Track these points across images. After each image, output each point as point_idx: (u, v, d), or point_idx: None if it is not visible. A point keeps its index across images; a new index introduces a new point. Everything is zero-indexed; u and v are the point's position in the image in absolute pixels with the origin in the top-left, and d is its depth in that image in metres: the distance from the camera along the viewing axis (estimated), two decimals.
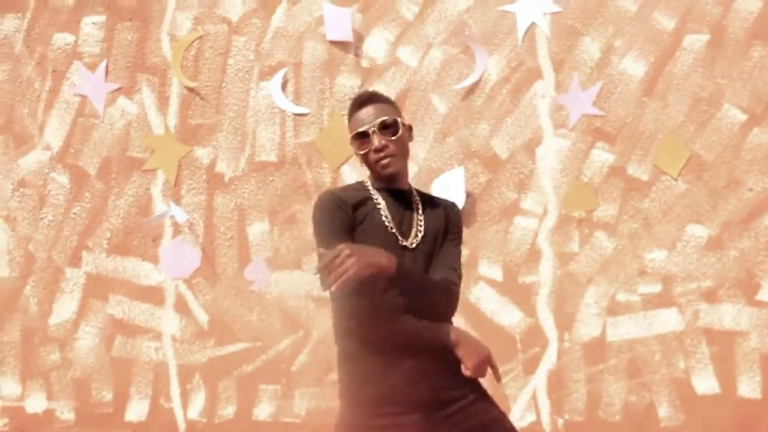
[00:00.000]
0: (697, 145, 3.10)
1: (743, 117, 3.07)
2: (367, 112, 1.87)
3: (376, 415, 1.86)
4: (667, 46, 3.08)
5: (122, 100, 3.27)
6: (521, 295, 3.18)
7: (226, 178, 3.26)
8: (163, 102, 3.25)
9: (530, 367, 3.19)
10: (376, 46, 3.17)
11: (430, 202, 2.00)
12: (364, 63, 3.17)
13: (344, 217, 1.85)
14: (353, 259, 1.61)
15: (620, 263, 3.15)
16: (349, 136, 1.90)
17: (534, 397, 3.20)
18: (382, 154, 1.85)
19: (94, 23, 3.24)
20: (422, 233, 1.90)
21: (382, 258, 1.72)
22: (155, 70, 3.25)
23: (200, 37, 3.20)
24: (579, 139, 3.14)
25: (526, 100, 3.14)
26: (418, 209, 1.94)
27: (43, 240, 3.35)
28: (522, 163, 3.16)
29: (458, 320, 3.17)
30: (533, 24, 3.11)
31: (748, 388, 3.11)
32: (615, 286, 3.16)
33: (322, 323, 3.21)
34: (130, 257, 3.31)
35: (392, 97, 3.15)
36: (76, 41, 3.26)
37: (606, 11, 3.09)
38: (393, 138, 1.86)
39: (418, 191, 2.01)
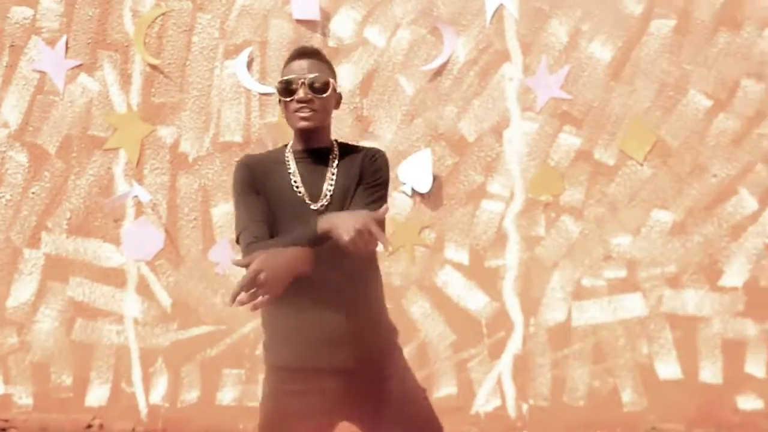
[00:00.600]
0: (663, 130, 3.10)
1: (708, 103, 3.08)
2: (301, 65, 1.86)
3: (294, 379, 1.85)
4: (635, 31, 3.08)
5: (83, 77, 3.19)
6: (487, 279, 3.17)
7: (190, 158, 3.20)
8: (125, 79, 3.18)
9: (496, 352, 3.19)
10: (343, 26, 3.13)
11: (349, 155, 1.93)
12: (331, 42, 3.13)
13: (254, 194, 1.83)
14: (266, 287, 1.60)
15: (586, 248, 3.15)
16: (277, 83, 1.89)
17: (499, 382, 3.19)
18: (303, 105, 1.83)
19: None
20: (331, 192, 1.86)
21: (296, 265, 1.68)
22: (117, 46, 3.17)
23: (164, 14, 3.13)
24: (546, 123, 3.13)
25: (494, 83, 3.12)
26: (332, 167, 1.89)
27: (0, 221, 3.26)
28: (489, 146, 3.15)
29: (424, 303, 3.17)
30: (501, 6, 3.09)
31: (709, 373, 3.13)
32: (580, 271, 3.16)
33: None
34: (90, 238, 3.24)
35: (359, 78, 3.16)
36: (34, 15, 3.18)
37: None
38: (320, 96, 1.85)
39: (341, 145, 1.95)
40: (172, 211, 3.21)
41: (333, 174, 1.88)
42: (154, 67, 3.16)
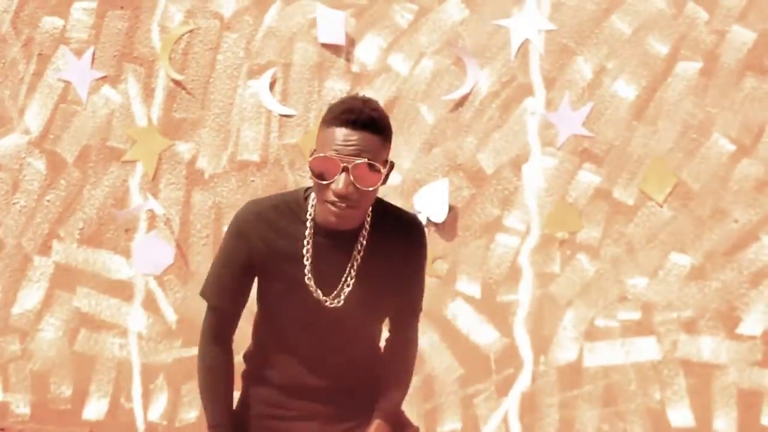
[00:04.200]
0: (685, 172, 3.07)
1: (732, 147, 3.05)
2: (352, 138, 1.43)
3: (272, 408, 1.74)
4: (660, 72, 3.07)
5: (107, 89, 3.21)
6: (498, 314, 3.12)
7: (206, 175, 3.19)
8: (148, 93, 3.20)
9: (503, 389, 3.11)
10: (367, 52, 3.14)
11: (384, 233, 1.59)
12: (355, 68, 3.14)
13: (240, 271, 1.58)
14: None
15: (601, 287, 3.09)
16: (314, 148, 1.51)
17: (506, 420, 3.11)
18: (340, 203, 1.46)
19: (84, 9, 3.20)
20: (350, 287, 1.56)
21: None
22: (143, 60, 3.20)
23: (191, 31, 3.16)
24: (566, 159, 3.10)
25: (516, 116, 3.11)
26: (358, 251, 1.57)
27: (13, 226, 3.26)
28: (507, 179, 3.12)
29: (433, 335, 3.11)
30: (527, 40, 3.09)
31: (723, 423, 3.04)
32: (594, 311, 3.09)
33: None
34: (101, 249, 3.23)
35: (381, 104, 3.15)
36: (64, 26, 3.21)
37: (601, 32, 3.07)
38: (364, 189, 1.45)
39: (375, 215, 1.59)
40: (184, 226, 3.20)
41: (356, 262, 1.57)
42: (177, 82, 3.18)
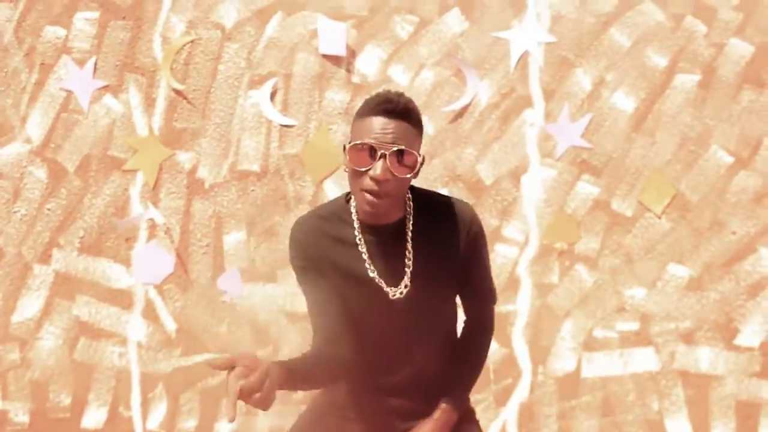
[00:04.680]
0: (683, 184, 3.08)
1: (730, 159, 3.06)
2: (388, 127, 1.47)
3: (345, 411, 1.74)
4: (658, 84, 3.09)
5: (108, 98, 3.22)
6: (497, 325, 3.10)
7: (207, 185, 3.20)
8: (149, 103, 3.21)
9: (502, 399, 3.12)
10: (368, 63, 3.16)
11: (430, 219, 1.61)
12: (355, 79, 3.15)
13: (320, 276, 1.56)
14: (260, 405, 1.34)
15: (599, 298, 3.10)
16: (350, 137, 1.53)
17: (504, 430, 3.12)
18: (376, 189, 1.49)
19: (86, 19, 3.22)
20: (409, 277, 1.58)
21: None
22: (144, 70, 3.21)
23: (192, 41, 3.17)
24: (565, 170, 3.12)
25: (515, 128, 3.13)
26: (409, 240, 1.59)
27: (13, 234, 3.26)
28: (506, 190, 3.13)
29: None
30: (526, 52, 3.11)
31: None
32: (592, 321, 3.10)
33: (293, 340, 3.13)
34: (101, 258, 3.23)
35: None
36: (67, 36, 3.23)
37: (600, 45, 3.10)
38: (401, 176, 1.48)
39: (418, 203, 1.60)
40: (184, 235, 3.21)
41: (410, 252, 1.58)
42: (178, 92, 3.20)
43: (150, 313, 3.22)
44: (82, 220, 3.24)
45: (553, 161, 3.12)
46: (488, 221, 3.13)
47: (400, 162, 1.48)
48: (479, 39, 3.11)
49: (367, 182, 1.49)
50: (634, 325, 3.08)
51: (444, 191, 3.11)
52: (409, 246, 1.59)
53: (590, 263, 3.10)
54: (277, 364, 1.35)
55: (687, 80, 3.08)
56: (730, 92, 3.06)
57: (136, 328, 3.22)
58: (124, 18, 3.21)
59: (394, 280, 1.58)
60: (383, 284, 1.58)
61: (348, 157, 1.52)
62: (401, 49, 3.15)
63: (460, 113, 3.13)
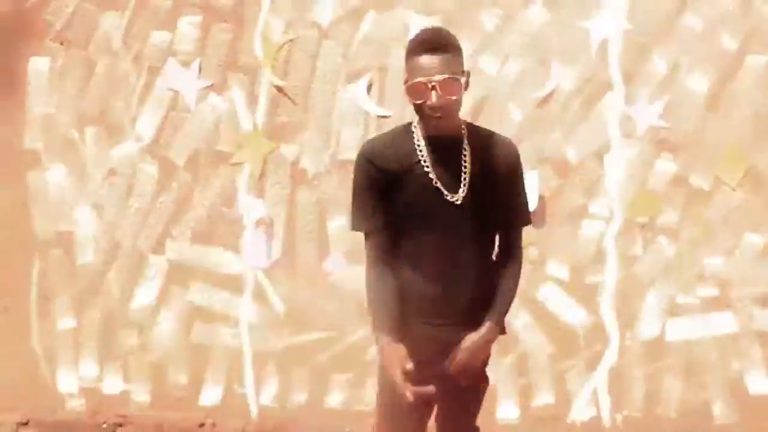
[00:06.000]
0: (756, 158, 3.30)
1: None
2: (431, 63, 1.78)
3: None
4: (730, 65, 3.29)
5: (213, 97, 3.44)
6: (586, 295, 3.35)
7: (310, 175, 3.42)
8: (252, 100, 3.42)
9: (592, 364, 3.35)
10: None
11: (481, 142, 1.94)
12: None
13: (377, 192, 1.89)
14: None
15: (680, 267, 3.33)
16: (405, 77, 1.83)
17: (595, 393, 3.35)
18: (437, 114, 1.81)
19: (190, 23, 3.42)
20: (467, 184, 1.88)
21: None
22: (246, 69, 3.42)
23: (291, 40, 3.38)
24: (645, 149, 3.33)
25: (597, 111, 3.34)
26: (465, 154, 1.90)
27: (128, 228, 3.49)
28: (591, 169, 3.35)
29: (524, 318, 3.34)
30: (606, 39, 3.32)
31: None
32: (675, 289, 3.33)
33: None
34: (212, 246, 3.46)
35: (470, 105, 3.38)
36: (172, 39, 3.44)
37: (674, 30, 3.30)
38: (452, 97, 1.81)
39: (470, 129, 1.94)
40: (290, 223, 3.43)
41: (465, 163, 1.89)
42: (279, 89, 3.41)
43: (259, 296, 3.45)
44: (192, 212, 3.47)
45: (633, 141, 3.33)
46: (575, 199, 3.35)
47: (447, 87, 1.79)
48: (561, 28, 3.32)
49: (427, 109, 1.81)
50: (713, 291, 3.31)
51: (534, 173, 3.33)
52: (466, 159, 1.89)
53: (671, 235, 3.32)
54: (394, 347, 1.88)
55: (758, 61, 3.29)
56: None
57: (247, 310, 3.46)
58: (225, 21, 3.42)
59: (449, 187, 1.88)
60: (442, 188, 1.88)
61: (407, 93, 1.85)
62: (488, 41, 3.36)
63: (546, 99, 3.35)
